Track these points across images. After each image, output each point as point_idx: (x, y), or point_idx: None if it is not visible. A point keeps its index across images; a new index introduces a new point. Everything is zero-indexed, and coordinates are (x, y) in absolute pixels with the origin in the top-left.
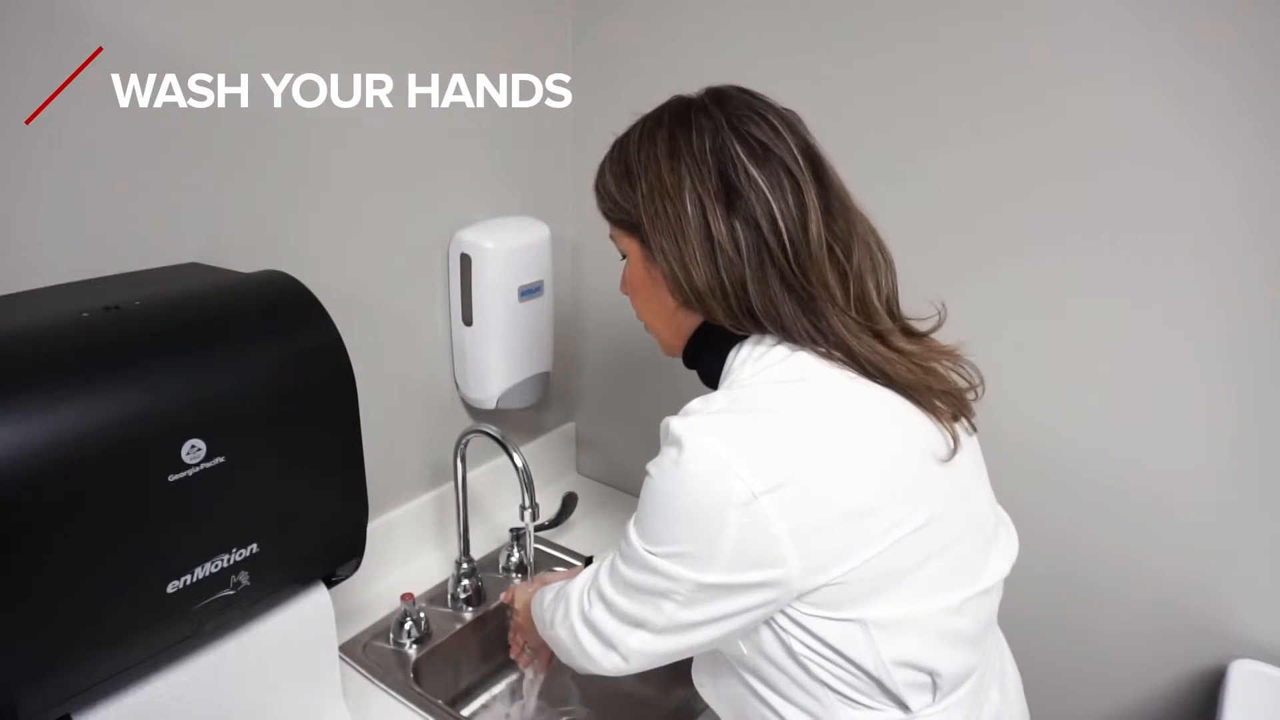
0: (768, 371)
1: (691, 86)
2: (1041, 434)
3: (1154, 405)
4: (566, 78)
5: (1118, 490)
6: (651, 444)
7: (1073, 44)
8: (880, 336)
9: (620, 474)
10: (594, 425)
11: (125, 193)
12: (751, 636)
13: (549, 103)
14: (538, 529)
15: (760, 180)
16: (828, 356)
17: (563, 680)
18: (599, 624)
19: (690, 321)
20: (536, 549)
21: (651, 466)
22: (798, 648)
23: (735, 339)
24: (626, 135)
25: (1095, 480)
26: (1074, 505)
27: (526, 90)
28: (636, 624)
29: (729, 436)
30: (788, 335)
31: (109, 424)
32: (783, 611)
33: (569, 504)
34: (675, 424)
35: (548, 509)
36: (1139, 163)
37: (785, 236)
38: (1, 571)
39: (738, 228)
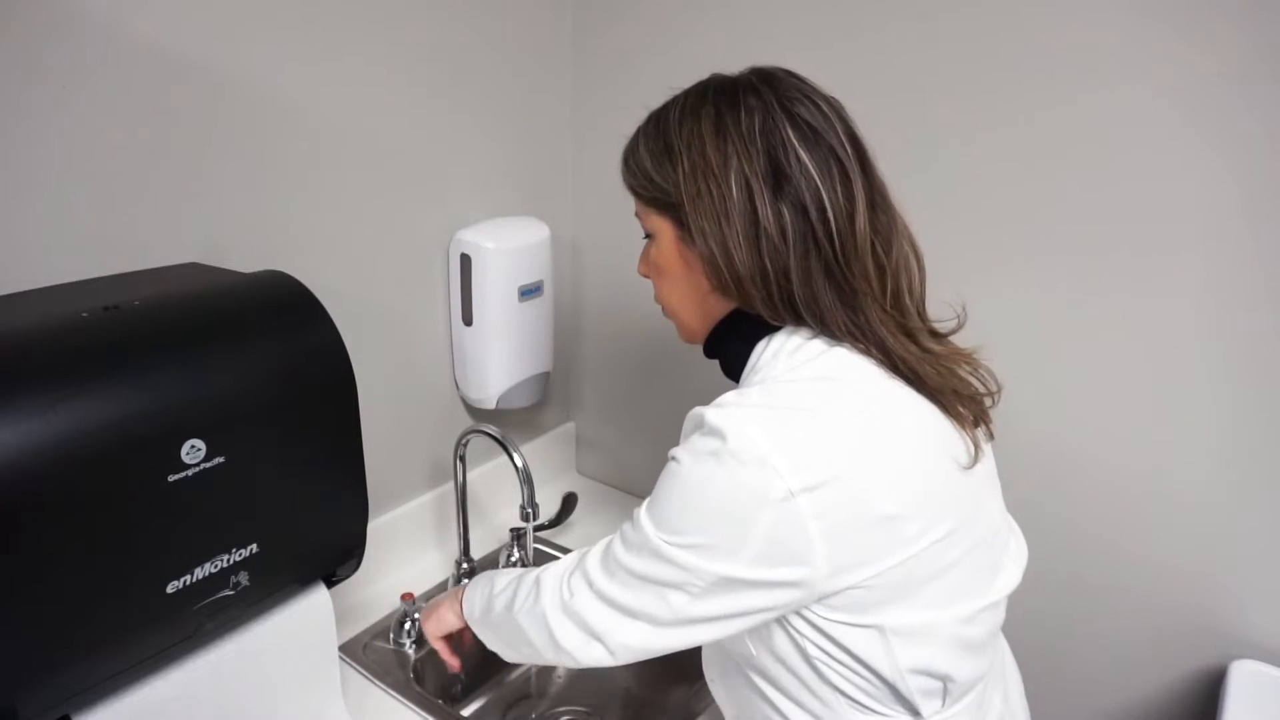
0: (804, 367)
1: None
2: (1042, 434)
3: (1154, 407)
4: (567, 78)
5: (1118, 491)
6: (652, 443)
7: (1091, 52)
8: (911, 335)
9: (620, 474)
10: (594, 425)
11: (125, 193)
12: (764, 638)
13: (549, 103)
14: (538, 529)
15: (810, 166)
16: (865, 353)
17: (561, 680)
18: (584, 614)
19: (720, 308)
20: (536, 549)
21: (681, 453)
22: (813, 651)
23: (763, 331)
24: (665, 110)
25: (1096, 480)
26: (1074, 505)
27: (526, 90)
28: (634, 615)
29: (772, 431)
30: (826, 329)
31: (109, 424)
32: (800, 614)
33: (569, 504)
34: (713, 414)
35: (548, 509)
36: (1148, 172)
37: (833, 226)
38: (1, 571)
39: (785, 213)
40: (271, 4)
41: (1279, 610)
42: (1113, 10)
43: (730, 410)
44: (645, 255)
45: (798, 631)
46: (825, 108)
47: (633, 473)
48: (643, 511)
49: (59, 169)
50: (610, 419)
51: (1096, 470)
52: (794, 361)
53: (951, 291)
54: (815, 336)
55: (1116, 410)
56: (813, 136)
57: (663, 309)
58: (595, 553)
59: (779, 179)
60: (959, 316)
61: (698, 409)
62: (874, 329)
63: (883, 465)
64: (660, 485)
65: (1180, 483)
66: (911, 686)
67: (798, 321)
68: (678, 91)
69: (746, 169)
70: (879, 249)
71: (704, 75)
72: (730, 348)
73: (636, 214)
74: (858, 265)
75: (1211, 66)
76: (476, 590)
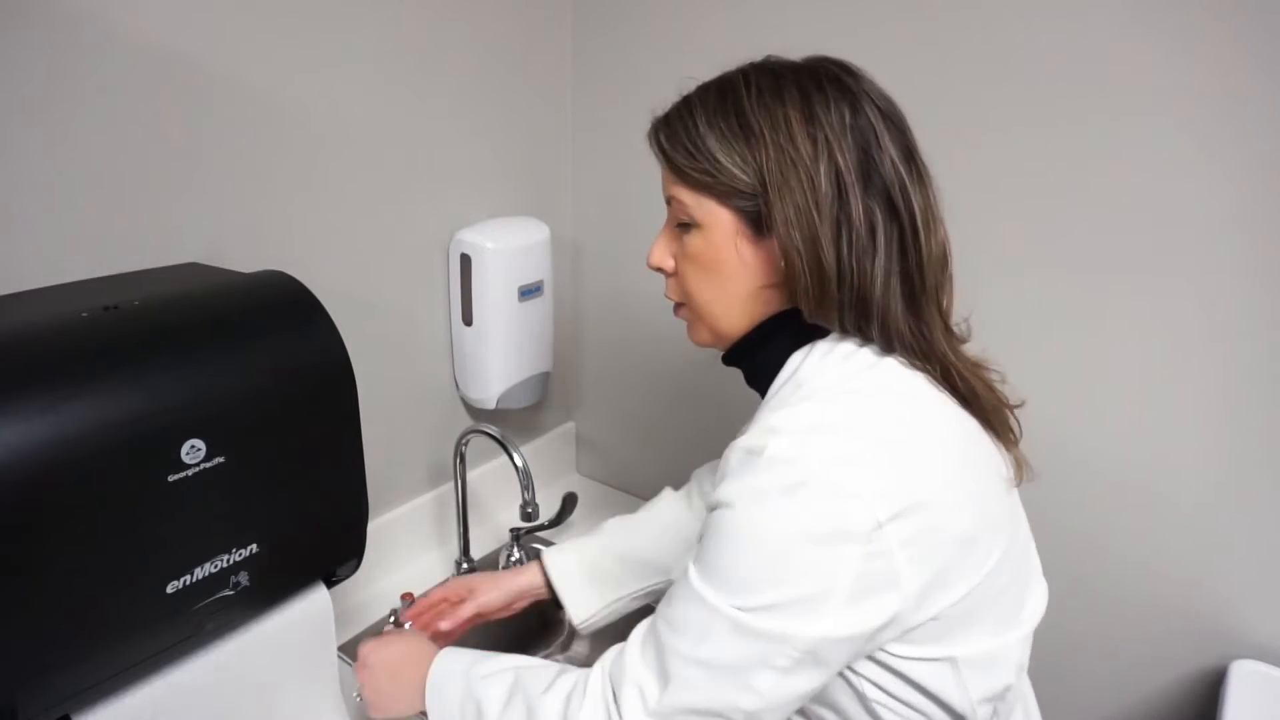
0: (857, 378)
1: (693, 86)
2: (1041, 436)
3: (1152, 406)
4: (566, 78)
5: (1118, 491)
6: (652, 443)
7: (1095, 63)
8: (957, 349)
9: (620, 474)
10: (594, 425)
11: (125, 193)
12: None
13: (549, 103)
14: (538, 529)
15: (900, 163)
16: (919, 368)
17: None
18: None
19: (769, 308)
20: (536, 549)
21: (737, 495)
22: (872, 694)
23: (803, 338)
24: (732, 86)
25: (1095, 482)
26: (1074, 506)
27: (526, 90)
28: (712, 716)
29: (847, 456)
30: (885, 339)
31: (109, 424)
32: (868, 656)
33: (569, 504)
34: (778, 443)
35: (548, 509)
36: (1145, 178)
37: (920, 229)
38: (2, 571)
39: (875, 210)
40: (272, 5)
41: (1279, 610)
42: (1118, 22)
43: (796, 437)
44: (670, 245)
45: (860, 675)
46: (893, 100)
47: (633, 473)
48: (695, 582)
49: (59, 169)
50: (610, 419)
51: (1095, 472)
52: (845, 371)
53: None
54: (864, 345)
55: (1115, 412)
56: (896, 129)
57: (683, 305)
58: (634, 664)
59: (869, 173)
60: (958, 327)
61: (747, 440)
62: (936, 341)
63: (953, 484)
64: (714, 542)
65: (1179, 484)
66: (980, 716)
67: (856, 329)
68: (731, 69)
69: (840, 160)
70: (943, 255)
71: (705, 75)
72: (762, 355)
73: (670, 197)
74: (931, 273)
75: (1214, 77)
76: (439, 697)
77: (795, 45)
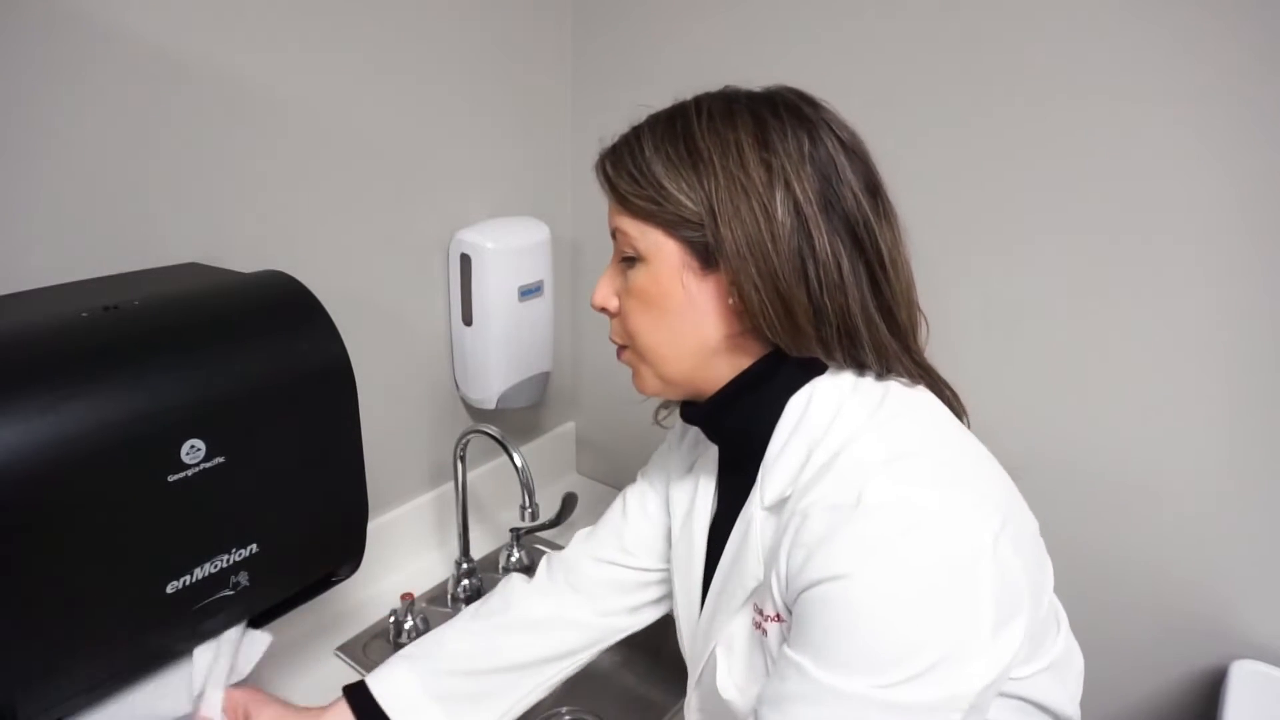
0: (882, 407)
1: (692, 87)
2: (1039, 436)
3: (1152, 406)
4: (566, 77)
5: (1116, 491)
6: (651, 444)
7: (1069, 46)
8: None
9: (620, 474)
10: (594, 425)
11: (125, 193)
12: None
13: (549, 103)
14: (538, 529)
15: (862, 195)
16: (919, 383)
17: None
18: None
19: (743, 359)
20: (536, 549)
21: (847, 561)
22: None
23: (798, 380)
24: (682, 113)
25: (1094, 481)
26: (1072, 506)
27: (526, 90)
28: None
29: (938, 479)
30: (883, 362)
31: (109, 424)
32: (1000, 693)
33: (569, 504)
34: (872, 487)
35: (548, 509)
36: (1136, 163)
37: (887, 262)
38: (1, 572)
39: (840, 245)
40: (273, 5)
41: (1278, 610)
42: (1106, 11)
43: (884, 473)
44: (614, 283)
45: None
46: (856, 134)
47: (633, 473)
48: (820, 675)
49: (59, 169)
50: (610, 419)
51: (1095, 472)
52: (863, 402)
53: (929, 288)
54: (862, 375)
55: (1115, 412)
56: (859, 162)
57: (627, 349)
58: None
59: (829, 205)
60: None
61: (823, 498)
62: (924, 364)
63: (1006, 487)
64: (831, 622)
65: (1179, 483)
66: (1077, 711)
67: (851, 358)
68: (684, 98)
69: (798, 191)
70: (909, 296)
71: (705, 75)
72: (751, 403)
73: (615, 230)
74: (904, 303)
75: (1205, 66)
76: None
77: (794, 46)
